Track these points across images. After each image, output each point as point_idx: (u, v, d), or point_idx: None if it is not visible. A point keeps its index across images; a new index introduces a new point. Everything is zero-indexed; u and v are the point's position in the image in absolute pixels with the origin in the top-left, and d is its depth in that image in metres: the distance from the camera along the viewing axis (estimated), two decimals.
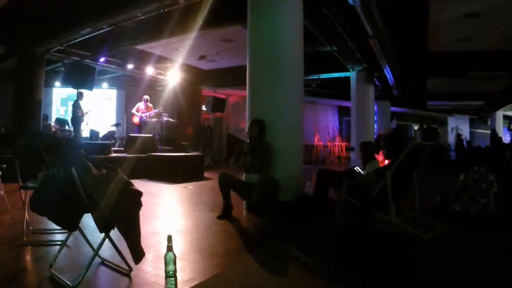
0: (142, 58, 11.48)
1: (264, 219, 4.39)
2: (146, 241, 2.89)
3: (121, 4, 6.74)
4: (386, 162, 5.57)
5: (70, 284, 2.25)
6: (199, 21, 6.97)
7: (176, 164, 8.28)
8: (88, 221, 2.65)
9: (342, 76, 12.17)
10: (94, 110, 11.99)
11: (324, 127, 18.20)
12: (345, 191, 4.14)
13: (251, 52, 5.16)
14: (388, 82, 12.47)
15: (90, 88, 9.16)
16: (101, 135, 11.58)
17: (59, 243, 2.96)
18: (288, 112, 4.95)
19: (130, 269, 2.53)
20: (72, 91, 10.68)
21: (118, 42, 9.13)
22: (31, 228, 3.49)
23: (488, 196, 4.38)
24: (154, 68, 12.17)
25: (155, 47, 10.52)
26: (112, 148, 9.30)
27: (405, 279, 2.59)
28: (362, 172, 4.82)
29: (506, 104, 17.80)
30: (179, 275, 2.39)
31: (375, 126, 13.49)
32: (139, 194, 2.59)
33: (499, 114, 20.11)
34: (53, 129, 10.55)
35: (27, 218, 3.36)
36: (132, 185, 2.61)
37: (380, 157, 6.12)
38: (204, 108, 14.30)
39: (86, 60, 10.20)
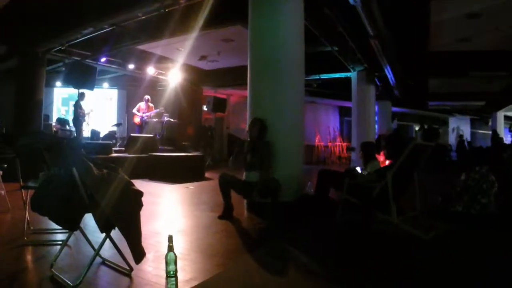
0: (143, 58, 11.49)
1: (264, 219, 4.39)
2: (146, 241, 2.89)
3: (122, 4, 6.75)
4: (387, 162, 5.58)
5: (71, 284, 2.25)
6: (200, 21, 6.98)
7: (177, 164, 8.28)
8: (89, 221, 2.65)
9: (343, 76, 12.19)
10: (95, 110, 12.01)
11: (325, 127, 18.19)
12: (345, 191, 4.14)
13: (252, 52, 5.16)
14: (389, 82, 12.47)
15: (91, 88, 9.16)
16: (102, 135, 11.57)
17: (60, 243, 2.96)
18: (289, 112, 4.96)
19: (131, 269, 2.53)
20: (73, 91, 10.68)
21: (119, 42, 9.14)
22: (32, 228, 3.49)
23: (489, 196, 4.39)
24: (155, 68, 12.18)
25: (156, 47, 10.53)
26: (113, 148, 9.30)
27: (405, 279, 2.58)
28: (363, 172, 4.82)
29: (507, 105, 17.78)
30: (180, 275, 2.39)
31: (376, 126, 13.50)
32: (140, 194, 2.59)
33: (500, 115, 20.09)
34: (54, 129, 10.56)
35: (28, 218, 3.36)
36: (133, 185, 2.62)
37: (381, 157, 6.12)
38: (205, 108, 14.30)
39: (87, 60, 10.22)
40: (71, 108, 11.28)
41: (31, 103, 9.10)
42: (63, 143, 2.65)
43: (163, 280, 2.34)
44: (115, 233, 2.48)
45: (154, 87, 13.89)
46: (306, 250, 3.16)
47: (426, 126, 18.08)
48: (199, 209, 5.02)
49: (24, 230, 3.30)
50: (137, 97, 12.70)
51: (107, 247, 2.63)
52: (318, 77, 12.45)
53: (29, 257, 2.90)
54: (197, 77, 13.79)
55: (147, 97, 11.57)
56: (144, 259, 2.52)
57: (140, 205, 2.59)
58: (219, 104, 12.85)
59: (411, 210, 4.09)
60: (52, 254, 2.82)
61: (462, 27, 8.50)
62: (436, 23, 8.27)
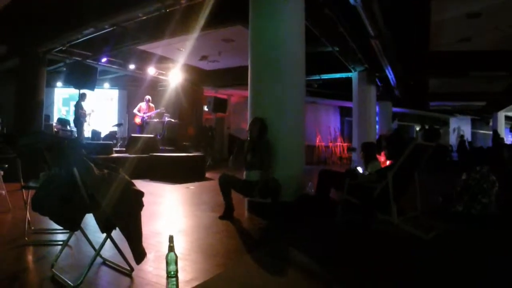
0: (144, 58, 11.50)
1: (265, 219, 4.39)
2: (147, 241, 2.89)
3: (123, 4, 6.76)
4: (388, 162, 5.57)
5: (72, 284, 2.25)
6: (201, 21, 6.99)
7: (178, 164, 8.29)
8: (89, 221, 2.65)
9: (344, 76, 12.19)
10: (96, 110, 12.02)
11: (325, 128, 18.19)
12: (346, 191, 4.14)
13: (253, 51, 5.16)
14: (389, 83, 12.47)
15: (92, 88, 9.18)
16: (102, 135, 11.61)
17: (61, 243, 2.96)
18: (289, 112, 4.95)
19: (132, 269, 2.53)
20: (74, 91, 10.70)
21: (120, 42, 9.15)
22: (32, 228, 3.50)
23: (489, 196, 4.39)
24: (156, 68, 12.19)
25: (156, 47, 10.54)
26: (114, 148, 9.32)
27: (405, 279, 2.58)
28: (364, 173, 4.82)
29: (507, 105, 17.77)
30: (181, 275, 2.39)
31: (377, 126, 13.50)
32: (140, 194, 2.59)
33: (501, 115, 20.08)
34: (55, 129, 10.59)
35: (29, 218, 3.37)
36: (134, 185, 2.62)
37: (381, 157, 6.11)
38: (205, 108, 14.30)
39: (88, 60, 10.24)
40: (72, 109, 11.31)
41: (32, 103, 9.13)
42: (64, 143, 2.65)
43: (163, 280, 2.34)
44: (116, 233, 2.48)
45: (155, 87, 13.90)
46: (306, 250, 3.15)
47: (426, 127, 18.05)
48: (200, 209, 5.03)
49: (25, 230, 3.31)
50: (137, 97, 12.70)
51: (108, 247, 2.63)
52: (319, 77, 12.46)
53: (29, 257, 2.90)
54: (198, 77, 13.80)
55: (148, 97, 11.58)
56: (145, 259, 2.52)
57: (141, 205, 2.59)
58: (219, 104, 12.85)
59: (411, 210, 4.09)
60: (52, 254, 2.82)
61: (462, 27, 8.50)
62: (437, 23, 8.27)
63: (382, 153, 6.32)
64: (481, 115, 22.78)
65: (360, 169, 4.94)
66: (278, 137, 4.74)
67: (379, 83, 12.66)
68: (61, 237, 3.37)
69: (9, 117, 9.43)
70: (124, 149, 9.73)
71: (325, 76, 12.43)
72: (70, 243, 2.91)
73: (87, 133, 11.06)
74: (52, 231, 3.55)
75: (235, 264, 2.81)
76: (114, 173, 2.58)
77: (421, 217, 4.02)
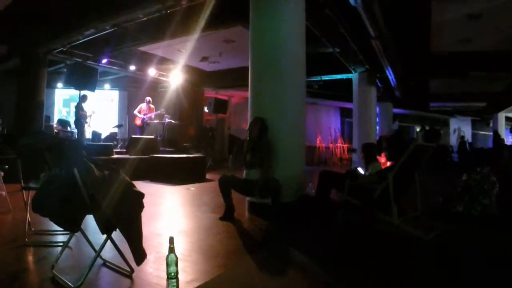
0: (144, 60, 11.50)
1: (265, 220, 4.39)
2: (148, 242, 2.89)
3: (124, 5, 6.77)
4: (388, 163, 5.57)
5: (72, 285, 2.25)
6: (201, 22, 6.99)
7: (178, 165, 8.28)
8: (90, 222, 2.65)
9: (344, 77, 12.20)
10: (97, 111, 12.01)
11: (326, 129, 18.19)
12: (346, 192, 4.13)
13: (253, 52, 5.16)
14: (390, 84, 12.47)
15: (92, 90, 9.18)
16: (103, 136, 11.62)
17: (61, 244, 2.95)
18: (290, 112, 4.95)
19: (132, 270, 2.53)
20: (74, 92, 10.70)
21: (120, 43, 9.16)
22: (33, 229, 3.49)
23: (490, 196, 4.39)
24: (156, 69, 12.19)
25: (157, 49, 10.54)
26: (114, 150, 9.32)
27: (405, 279, 2.58)
28: (364, 174, 4.82)
29: (508, 106, 17.75)
30: (181, 276, 2.39)
31: (377, 127, 13.50)
32: (141, 195, 2.59)
33: (501, 116, 20.05)
34: (55, 130, 10.59)
35: (29, 219, 3.36)
36: (134, 186, 2.61)
37: (382, 158, 6.11)
38: (206, 109, 14.30)
39: (88, 61, 10.24)
40: (72, 110, 11.31)
41: (32, 104, 9.14)
42: (64, 144, 2.65)
43: (164, 282, 2.34)
44: (116, 234, 2.48)
45: (155, 89, 13.91)
46: (307, 251, 3.16)
47: (427, 127, 18.05)
48: (200, 210, 5.02)
49: (25, 231, 3.30)
50: (138, 98, 12.70)
51: (108, 248, 2.63)
52: (319, 78, 12.45)
53: (30, 258, 2.90)
54: (198, 78, 13.80)
55: (148, 98, 11.58)
56: (145, 261, 2.52)
57: (141, 206, 2.59)
58: (220, 105, 12.84)
59: (412, 210, 4.09)
60: (53, 255, 2.82)
61: (463, 27, 8.49)
62: (437, 23, 8.27)
63: (383, 154, 6.33)
64: (481, 116, 22.77)
65: (360, 170, 4.94)
66: (278, 137, 4.74)
67: (379, 84, 12.67)
68: (61, 238, 3.37)
69: (9, 118, 9.44)
70: (124, 150, 9.74)
71: (326, 77, 12.43)
72: (70, 244, 2.91)
73: (87, 134, 11.06)
74: (53, 232, 3.55)
75: (235, 265, 2.81)
76: (114, 174, 2.58)
77: (422, 217, 4.01)
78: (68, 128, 10.86)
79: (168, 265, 2.27)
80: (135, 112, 11.53)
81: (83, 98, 9.73)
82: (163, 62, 11.91)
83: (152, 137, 10.36)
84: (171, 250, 2.27)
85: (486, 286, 2.51)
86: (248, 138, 4.70)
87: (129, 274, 2.52)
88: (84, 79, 8.77)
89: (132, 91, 14.55)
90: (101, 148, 8.68)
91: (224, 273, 2.61)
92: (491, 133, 19.01)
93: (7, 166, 4.69)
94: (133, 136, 10.56)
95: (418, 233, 3.58)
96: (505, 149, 11.05)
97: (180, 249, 3.06)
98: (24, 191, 3.44)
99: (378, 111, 13.77)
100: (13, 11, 7.82)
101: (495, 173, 4.60)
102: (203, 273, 2.60)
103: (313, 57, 7.42)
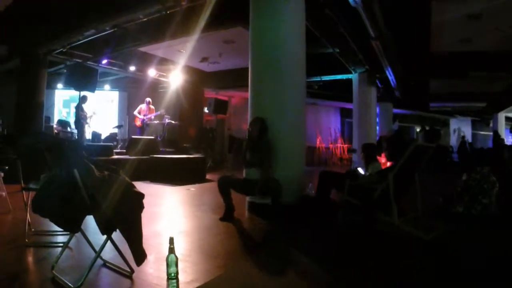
0: (144, 60, 11.51)
1: (265, 220, 4.39)
2: (148, 243, 2.88)
3: (124, 6, 6.77)
4: (389, 163, 5.57)
5: (72, 286, 2.25)
6: (201, 23, 6.99)
7: (178, 166, 8.28)
8: (90, 222, 2.64)
9: (344, 78, 12.20)
10: (97, 112, 12.01)
11: (326, 129, 18.19)
12: (347, 192, 4.13)
13: (253, 52, 5.16)
14: (390, 84, 12.47)
15: (92, 90, 9.17)
16: (103, 137, 11.62)
17: (61, 244, 2.95)
18: (290, 112, 4.95)
19: (132, 271, 2.53)
20: (74, 93, 10.69)
21: (120, 44, 9.16)
22: (33, 229, 3.49)
23: (490, 196, 4.39)
24: (156, 70, 12.20)
25: (157, 49, 10.54)
26: (114, 150, 9.31)
27: (405, 279, 2.58)
28: (364, 174, 4.82)
29: (508, 106, 17.75)
30: (181, 276, 2.38)
31: (377, 128, 13.50)
32: (141, 196, 2.59)
33: (501, 116, 20.05)
34: (55, 130, 10.59)
35: (29, 220, 3.36)
36: (134, 187, 2.61)
37: (382, 158, 6.11)
38: (206, 110, 14.30)
39: (88, 62, 10.24)
40: (73, 110, 11.31)
41: (32, 104, 9.14)
42: (64, 144, 2.65)
43: (164, 282, 2.34)
44: (116, 235, 2.47)
45: (155, 89, 13.91)
46: (307, 251, 3.16)
47: (427, 128, 18.06)
48: (200, 210, 5.02)
49: (25, 231, 3.30)
50: (138, 99, 12.70)
51: (108, 249, 2.63)
52: (319, 79, 12.46)
53: (30, 259, 2.90)
54: (198, 79, 13.80)
55: (148, 99, 11.58)
56: (145, 261, 2.52)
57: (141, 207, 2.59)
58: (220, 106, 12.82)
59: (412, 211, 4.09)
60: (53, 255, 2.82)
61: (463, 27, 8.50)
62: (437, 23, 8.27)
63: (383, 154, 6.32)
64: (481, 116, 22.78)
65: (360, 170, 4.94)
66: (278, 138, 4.74)
67: (379, 85, 12.67)
68: (61, 239, 3.37)
69: (9, 118, 9.44)
70: (124, 151, 9.73)
71: (326, 78, 12.44)
72: (70, 244, 2.90)
73: (87, 135, 11.06)
74: (53, 233, 3.55)
75: (235, 265, 2.81)
76: (114, 174, 2.58)
77: (422, 217, 4.02)
78: (68, 129, 10.85)
79: (168, 265, 2.27)
80: (135, 112, 11.53)
81: (83, 99, 9.72)
82: (163, 62, 11.91)
83: (152, 137, 10.36)
84: (171, 250, 2.27)
85: (486, 286, 2.51)
86: (247, 137, 4.70)
87: (129, 275, 2.52)
88: (84, 79, 8.76)
89: (132, 92, 14.55)
90: (101, 148, 8.68)
91: (224, 273, 2.61)
92: (491, 133, 19.00)
93: (7, 167, 4.68)
94: (133, 136, 10.56)
95: (418, 233, 3.58)
96: (505, 149, 11.05)
97: (180, 249, 3.06)
98: (24, 192, 3.43)
99: (378, 112, 13.77)
100: (13, 11, 7.82)
101: (495, 173, 4.60)
102: (203, 273, 2.60)
103: (313, 57, 7.43)
